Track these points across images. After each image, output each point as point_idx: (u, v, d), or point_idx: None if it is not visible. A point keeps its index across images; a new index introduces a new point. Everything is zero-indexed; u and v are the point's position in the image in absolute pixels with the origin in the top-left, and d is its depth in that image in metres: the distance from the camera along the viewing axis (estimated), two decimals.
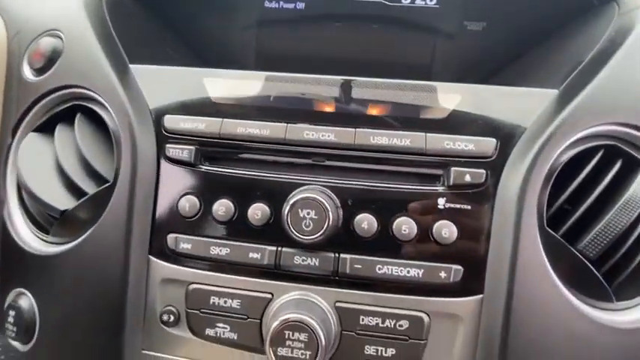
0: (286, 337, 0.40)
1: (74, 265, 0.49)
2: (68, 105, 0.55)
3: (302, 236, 0.41)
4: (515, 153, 0.45)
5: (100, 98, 0.53)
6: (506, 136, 0.46)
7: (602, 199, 0.44)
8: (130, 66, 0.55)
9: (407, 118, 0.48)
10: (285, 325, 0.40)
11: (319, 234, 0.41)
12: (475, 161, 0.45)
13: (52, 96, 0.55)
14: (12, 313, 0.50)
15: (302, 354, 0.39)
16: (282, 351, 0.40)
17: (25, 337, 0.50)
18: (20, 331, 0.49)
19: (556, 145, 0.45)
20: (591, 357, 0.42)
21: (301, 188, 0.45)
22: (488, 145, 0.46)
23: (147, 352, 0.47)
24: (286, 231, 0.42)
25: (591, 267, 0.42)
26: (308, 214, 0.42)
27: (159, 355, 0.47)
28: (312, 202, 0.42)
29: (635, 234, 0.43)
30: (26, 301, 0.51)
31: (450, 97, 0.48)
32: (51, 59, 0.56)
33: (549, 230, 0.43)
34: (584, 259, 0.42)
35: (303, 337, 0.40)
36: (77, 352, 0.48)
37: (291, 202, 0.42)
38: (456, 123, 0.47)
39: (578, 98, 0.46)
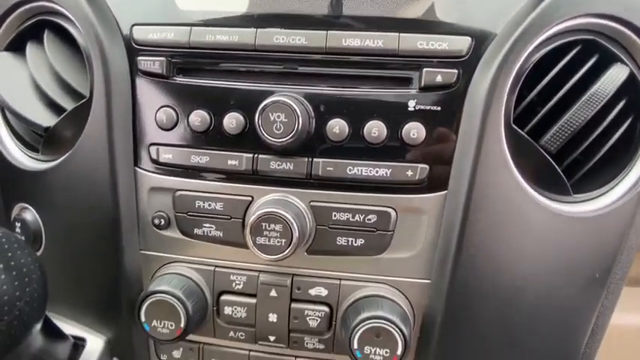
0: (264, 228, 0.44)
1: (65, 179, 0.52)
2: (34, 20, 0.53)
3: (273, 139, 0.43)
4: (490, 51, 0.45)
5: (64, 11, 0.51)
6: (482, 35, 0.45)
7: (572, 98, 0.45)
8: None
9: (381, 18, 0.46)
10: (262, 217, 0.44)
11: (289, 136, 0.43)
12: (448, 61, 0.45)
13: (17, 12, 0.53)
14: (18, 224, 0.55)
15: (278, 242, 0.44)
16: (261, 240, 0.44)
17: (34, 245, 0.55)
18: (28, 240, 0.55)
19: (529, 41, 0.44)
20: (544, 244, 0.47)
21: (274, 95, 0.46)
22: (462, 43, 0.45)
23: (144, 252, 0.53)
24: (259, 135, 0.44)
25: (551, 161, 0.44)
26: (278, 117, 0.43)
27: (155, 254, 0.52)
28: (282, 106, 0.43)
29: (597, 131, 0.45)
30: (30, 214, 0.56)
31: None
32: None
33: (515, 127, 0.45)
34: (545, 154, 0.44)
35: (278, 227, 0.44)
36: (82, 255, 0.54)
37: (262, 106, 0.43)
38: (431, 22, 0.46)
39: None
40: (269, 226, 0.44)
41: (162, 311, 0.47)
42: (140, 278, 0.53)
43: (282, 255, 0.44)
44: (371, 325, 0.43)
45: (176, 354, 0.54)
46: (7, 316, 0.32)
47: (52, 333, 0.49)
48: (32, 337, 0.40)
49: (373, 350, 0.44)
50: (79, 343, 0.53)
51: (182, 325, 0.46)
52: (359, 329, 0.43)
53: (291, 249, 0.44)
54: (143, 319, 0.47)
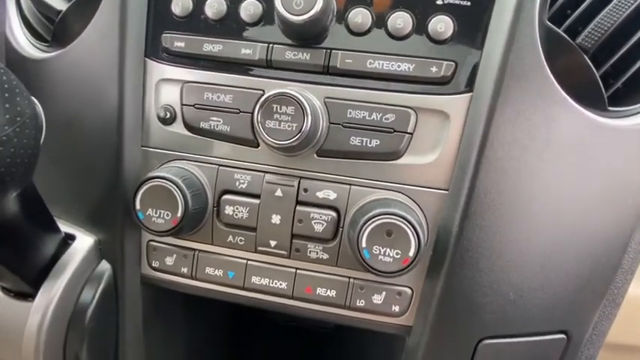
0: (274, 110, 0.41)
1: (71, 66, 0.50)
2: None
3: (292, 15, 0.41)
4: None
5: None
6: None
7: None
8: None
9: None
10: (273, 98, 0.41)
11: (310, 14, 0.40)
12: None
13: None
14: None
15: (289, 126, 0.41)
16: (270, 123, 0.41)
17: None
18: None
19: None
20: (576, 156, 0.43)
21: None
22: None
23: (146, 148, 0.50)
24: (276, 13, 0.42)
25: (588, 60, 0.41)
26: None
27: (157, 150, 0.50)
28: None
29: (635, 38, 0.42)
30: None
31: None
32: None
33: (549, 24, 0.42)
34: (581, 52, 0.41)
35: (290, 110, 0.41)
36: (81, 149, 0.51)
37: None
38: None
39: None
40: (280, 109, 0.41)
41: (159, 199, 0.44)
42: (139, 176, 0.50)
43: (291, 141, 0.41)
44: (382, 220, 0.40)
45: (169, 261, 0.50)
46: None
47: (45, 223, 0.47)
48: (11, 201, 0.37)
49: (383, 250, 0.40)
50: (68, 241, 0.50)
51: (179, 214, 0.43)
52: (369, 225, 0.40)
53: (302, 135, 0.41)
54: (138, 206, 0.44)
